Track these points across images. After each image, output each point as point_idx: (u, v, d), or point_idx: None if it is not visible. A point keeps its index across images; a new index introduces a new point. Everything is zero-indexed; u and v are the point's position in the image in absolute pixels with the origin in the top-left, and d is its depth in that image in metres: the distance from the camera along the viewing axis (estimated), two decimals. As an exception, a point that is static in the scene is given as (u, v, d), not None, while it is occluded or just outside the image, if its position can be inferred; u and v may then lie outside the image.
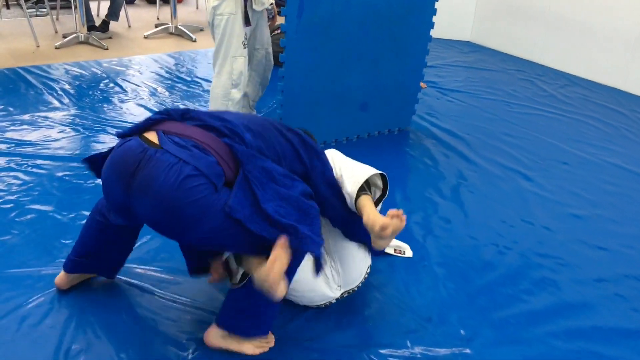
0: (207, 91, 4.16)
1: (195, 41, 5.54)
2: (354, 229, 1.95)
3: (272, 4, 2.83)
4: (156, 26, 5.80)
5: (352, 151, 2.49)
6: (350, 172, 1.90)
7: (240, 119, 1.75)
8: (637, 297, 2.28)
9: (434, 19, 3.45)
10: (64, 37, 5.09)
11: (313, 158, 1.85)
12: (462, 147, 3.54)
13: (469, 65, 5.27)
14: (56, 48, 4.86)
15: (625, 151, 3.66)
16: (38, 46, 4.86)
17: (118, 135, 1.70)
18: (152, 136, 1.61)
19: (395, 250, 2.39)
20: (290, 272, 1.71)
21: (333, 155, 2.00)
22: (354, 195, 1.84)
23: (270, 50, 3.40)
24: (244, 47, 3.04)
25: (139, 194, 1.53)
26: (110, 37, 5.36)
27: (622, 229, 2.76)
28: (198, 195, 1.51)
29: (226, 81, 3.05)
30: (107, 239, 1.96)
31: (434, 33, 3.54)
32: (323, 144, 3.42)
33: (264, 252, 1.59)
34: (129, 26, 5.84)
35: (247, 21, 3.02)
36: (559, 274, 2.39)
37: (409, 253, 2.40)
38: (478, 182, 3.11)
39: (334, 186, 1.89)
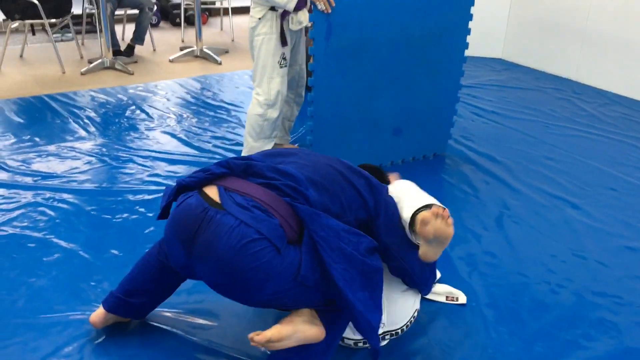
0: (234, 116, 4.07)
1: (220, 64, 5.47)
2: (412, 276, 1.86)
3: (312, 22, 2.78)
4: (181, 49, 5.76)
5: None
6: (409, 202, 1.83)
7: (303, 168, 1.70)
8: None
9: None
10: (90, 62, 5.06)
11: (379, 206, 1.80)
12: (503, 173, 3.37)
13: (502, 84, 5.10)
14: (82, 74, 4.82)
15: (676, 175, 3.46)
16: (64, 72, 4.83)
17: (178, 184, 1.68)
18: (212, 192, 1.58)
19: (447, 297, 2.22)
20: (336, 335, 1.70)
21: (401, 188, 1.96)
22: (409, 219, 1.77)
23: (304, 66, 3.30)
24: (281, 67, 2.98)
25: (200, 259, 1.53)
26: (135, 62, 5.32)
27: (683, 263, 2.57)
28: (261, 260, 1.49)
29: (263, 101, 3.00)
30: (162, 281, 1.87)
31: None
32: None
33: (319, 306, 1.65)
34: (154, 50, 5.80)
35: (283, 41, 2.95)
36: (618, 315, 2.21)
37: (462, 299, 2.23)
38: (522, 212, 2.94)
39: (397, 233, 1.81)
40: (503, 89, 4.96)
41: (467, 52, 3.34)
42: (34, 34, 5.21)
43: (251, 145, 3.12)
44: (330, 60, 2.90)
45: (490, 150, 3.68)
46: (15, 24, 4.84)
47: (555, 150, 3.74)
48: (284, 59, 2.99)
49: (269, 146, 3.14)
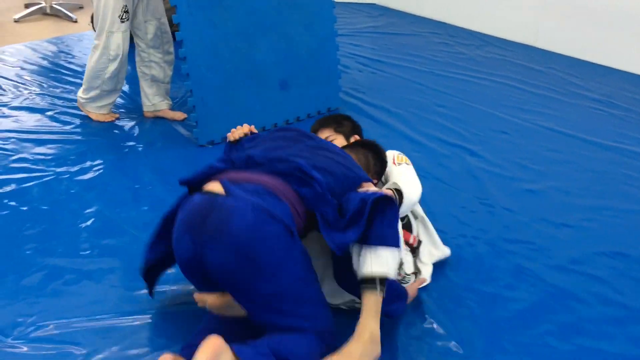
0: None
1: (76, 21, 4.88)
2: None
3: None
4: (27, 6, 5.05)
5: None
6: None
7: (304, 153, 1.70)
8: (613, 276, 2.19)
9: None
10: None
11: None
12: (400, 125, 3.33)
13: (381, 30, 5.04)
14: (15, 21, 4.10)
15: (555, 113, 3.61)
16: None
17: (181, 183, 1.66)
18: (216, 187, 1.54)
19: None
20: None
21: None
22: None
23: (165, 20, 3.07)
24: (122, 22, 2.82)
25: (210, 240, 1.44)
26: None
27: (579, 201, 2.68)
28: (276, 243, 1.45)
29: (100, 57, 2.89)
30: None
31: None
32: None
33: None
34: (-6, 8, 5.05)
35: None
36: (534, 262, 2.24)
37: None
38: (426, 164, 2.90)
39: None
40: (383, 36, 4.91)
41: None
42: None
43: (88, 95, 3.01)
44: (195, 10, 2.73)
45: (383, 102, 3.61)
46: None
47: (444, 96, 3.76)
48: (126, 12, 2.83)
49: (107, 100, 3.05)
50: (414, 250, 2.09)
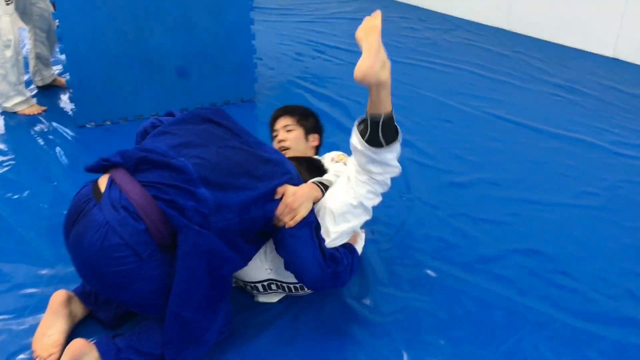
0: None
1: None
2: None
3: None
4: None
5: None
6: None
7: (205, 162, 1.60)
8: (520, 276, 2.05)
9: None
10: None
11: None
12: (338, 114, 3.20)
13: (349, 16, 4.89)
14: None
15: (507, 99, 3.45)
16: None
17: (86, 169, 1.67)
18: (103, 182, 1.58)
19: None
20: None
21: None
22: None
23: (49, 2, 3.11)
24: (7, 4, 2.79)
25: (72, 247, 1.55)
26: None
27: (506, 194, 2.54)
28: (120, 267, 1.49)
29: None
30: None
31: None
32: (140, 117, 3.04)
33: None
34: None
35: None
36: (437, 260, 2.12)
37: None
38: (354, 156, 2.79)
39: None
40: (350, 22, 4.75)
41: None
42: None
43: (2, 93, 3.00)
44: None
45: (327, 91, 3.49)
46: None
47: (394, 84, 3.50)
48: None
49: (19, 98, 3.03)
50: None
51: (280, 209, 1.65)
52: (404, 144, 2.84)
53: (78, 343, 1.57)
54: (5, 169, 2.57)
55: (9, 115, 3.03)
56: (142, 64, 2.95)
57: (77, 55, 2.80)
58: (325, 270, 1.66)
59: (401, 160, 2.69)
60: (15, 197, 2.38)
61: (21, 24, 3.12)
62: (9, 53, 2.85)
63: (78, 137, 2.87)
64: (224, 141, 1.73)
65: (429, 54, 4.13)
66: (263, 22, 4.64)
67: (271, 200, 1.67)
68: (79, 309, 1.73)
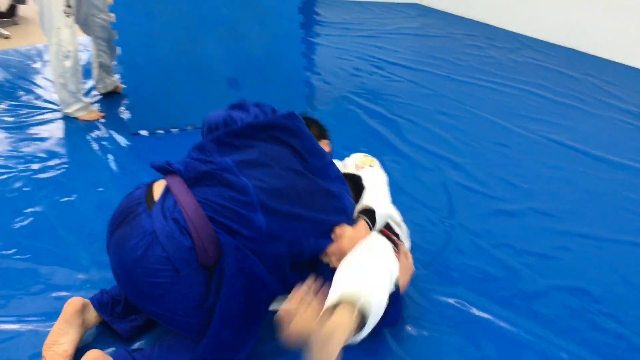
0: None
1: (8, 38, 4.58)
2: None
3: None
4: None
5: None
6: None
7: (268, 187, 1.58)
8: (563, 316, 1.92)
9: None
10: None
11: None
12: (389, 133, 3.13)
13: (413, 32, 4.82)
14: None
15: (572, 125, 3.27)
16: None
17: (151, 166, 1.68)
18: (159, 188, 1.59)
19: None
20: None
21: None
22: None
23: (109, 13, 3.18)
24: (67, 16, 2.89)
25: (114, 248, 1.55)
26: None
27: (558, 226, 2.39)
28: (155, 279, 1.48)
29: (57, 53, 2.95)
30: None
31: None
32: (191, 127, 3.10)
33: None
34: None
35: None
36: (474, 293, 2.01)
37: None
38: (401, 177, 2.71)
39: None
40: (414, 37, 4.69)
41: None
42: None
43: (63, 100, 3.12)
44: (132, 1, 2.77)
45: (381, 107, 3.43)
46: None
47: (451, 103, 3.51)
48: (69, 6, 2.89)
49: (78, 105, 3.15)
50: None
51: (332, 249, 1.64)
52: (454, 167, 2.78)
53: (95, 354, 1.58)
54: (59, 172, 2.66)
55: (70, 120, 3.15)
56: (194, 74, 3.01)
57: (132, 64, 2.88)
58: None
59: (447, 182, 2.64)
60: (64, 200, 2.46)
61: (83, 34, 3.26)
62: (68, 63, 2.97)
63: (131, 145, 2.94)
64: (289, 163, 1.70)
65: (492, 73, 3.99)
66: (326, 37, 4.65)
67: (325, 236, 1.65)
68: (92, 318, 1.73)
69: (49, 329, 1.77)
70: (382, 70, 3.99)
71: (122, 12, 2.78)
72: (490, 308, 1.94)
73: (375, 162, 2.08)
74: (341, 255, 1.60)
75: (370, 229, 1.71)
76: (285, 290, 1.63)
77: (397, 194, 2.56)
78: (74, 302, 1.69)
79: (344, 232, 1.64)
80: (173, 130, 3.09)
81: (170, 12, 2.86)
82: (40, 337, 1.73)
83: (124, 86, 3.33)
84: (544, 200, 2.56)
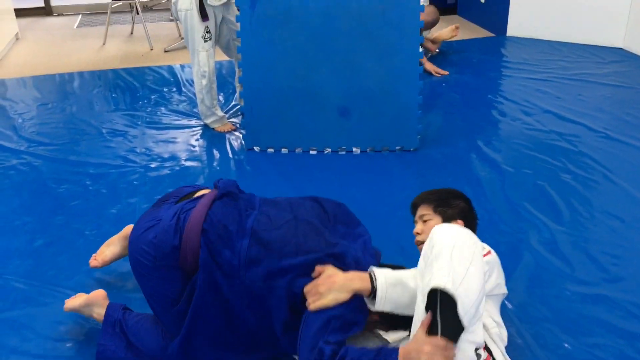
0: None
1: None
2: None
3: None
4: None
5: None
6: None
7: (267, 219, 1.73)
8: None
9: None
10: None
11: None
12: (490, 185, 2.91)
13: (594, 80, 4.30)
14: (165, 51, 5.22)
15: None
16: (152, 49, 5.27)
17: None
18: (199, 193, 1.84)
19: None
20: None
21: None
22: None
23: None
24: (205, 41, 3.25)
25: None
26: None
27: (620, 322, 2.00)
28: (141, 258, 1.70)
29: (197, 72, 3.34)
30: None
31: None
32: (299, 150, 3.28)
33: None
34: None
35: (204, 15, 3.19)
36: None
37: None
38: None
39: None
40: (592, 85, 4.19)
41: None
42: (137, 12, 5.73)
43: (202, 112, 3.53)
44: (257, 28, 3.03)
45: (498, 156, 3.18)
46: (118, 4, 5.44)
47: (586, 163, 3.08)
48: (208, 32, 3.24)
49: (213, 117, 3.51)
50: None
51: (308, 287, 1.58)
52: (539, 232, 2.48)
53: (99, 293, 1.93)
54: (169, 172, 3.06)
55: (206, 129, 3.58)
56: (307, 100, 3.17)
57: (252, 85, 3.16)
58: None
59: (521, 247, 2.36)
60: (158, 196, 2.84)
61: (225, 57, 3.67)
62: (204, 82, 3.35)
63: (241, 158, 3.23)
64: (306, 216, 1.76)
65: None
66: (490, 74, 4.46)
67: (304, 275, 1.62)
68: None
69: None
70: (529, 117, 3.68)
71: (247, 37, 3.07)
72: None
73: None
74: (316, 296, 1.54)
75: (373, 284, 1.53)
76: (260, 332, 1.66)
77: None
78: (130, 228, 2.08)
79: (325, 269, 1.61)
80: (283, 150, 3.30)
81: (290, 40, 3.07)
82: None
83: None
84: (627, 291, 2.15)
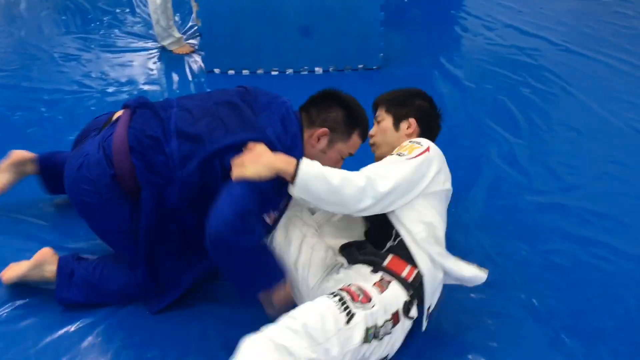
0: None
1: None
2: None
3: None
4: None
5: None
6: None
7: (189, 114, 1.68)
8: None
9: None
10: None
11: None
12: (454, 101, 2.93)
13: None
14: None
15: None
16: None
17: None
18: (115, 116, 1.76)
19: None
20: None
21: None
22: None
23: None
24: None
25: (66, 163, 1.75)
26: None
27: (576, 229, 2.09)
28: (86, 199, 1.66)
29: None
30: None
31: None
32: (261, 71, 3.22)
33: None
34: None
35: None
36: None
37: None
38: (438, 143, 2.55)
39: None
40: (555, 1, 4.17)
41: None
42: None
43: (158, 34, 3.43)
44: None
45: (462, 72, 3.19)
46: None
47: (546, 77, 3.14)
48: None
49: (171, 39, 3.42)
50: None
51: (235, 159, 1.54)
52: (499, 145, 2.53)
53: (46, 251, 1.79)
54: (126, 96, 2.98)
55: (164, 52, 3.46)
56: (267, 19, 3.08)
57: (209, 4, 3.06)
58: (233, 225, 1.45)
59: (482, 160, 2.42)
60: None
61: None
62: (158, 1, 3.23)
63: (201, 80, 3.16)
64: (225, 98, 1.73)
65: (620, 47, 3.44)
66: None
67: (235, 152, 1.57)
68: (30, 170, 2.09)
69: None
70: (491, 32, 3.68)
71: (203, -46, 2.94)
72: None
73: (415, 155, 1.60)
74: (239, 167, 1.52)
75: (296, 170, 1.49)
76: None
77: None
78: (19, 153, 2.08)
79: (254, 146, 1.56)
80: (244, 72, 3.23)
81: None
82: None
83: None
84: (581, 198, 2.24)
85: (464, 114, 2.81)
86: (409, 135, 1.79)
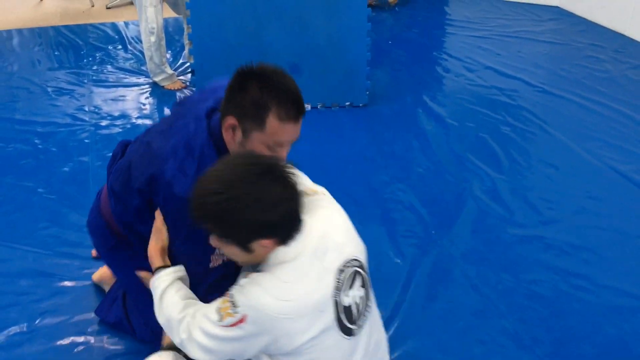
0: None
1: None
2: None
3: None
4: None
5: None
6: None
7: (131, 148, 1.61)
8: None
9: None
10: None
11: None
12: (437, 138, 3.03)
13: (532, 37, 4.48)
14: (107, 8, 5.06)
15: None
16: (93, 6, 5.10)
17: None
18: None
19: None
20: None
21: None
22: None
23: None
24: None
25: None
26: None
27: (553, 260, 2.19)
28: (93, 233, 1.73)
29: (145, 29, 3.33)
30: None
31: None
32: None
33: None
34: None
35: None
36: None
37: None
38: (422, 178, 2.66)
39: None
40: (529, 42, 4.37)
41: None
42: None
43: (151, 70, 3.51)
44: None
45: (445, 111, 3.32)
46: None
47: (524, 116, 3.27)
48: None
49: (163, 75, 3.50)
50: None
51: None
52: (481, 180, 2.64)
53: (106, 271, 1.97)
54: (120, 130, 3.05)
55: (156, 87, 3.55)
56: (257, 56, 3.04)
57: (201, 42, 3.16)
58: None
59: (465, 195, 2.52)
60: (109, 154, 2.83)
61: (173, 14, 3.64)
62: (153, 38, 3.33)
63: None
64: (163, 122, 1.60)
65: (594, 89, 3.60)
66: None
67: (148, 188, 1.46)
68: None
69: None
70: (471, 74, 3.83)
71: (196, -6, 3.05)
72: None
73: (228, 319, 1.21)
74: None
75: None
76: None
77: (408, 192, 2.53)
78: None
79: (157, 216, 1.44)
80: (235, 107, 3.32)
81: (239, -1, 3.06)
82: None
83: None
84: (560, 231, 2.35)
85: (447, 150, 2.92)
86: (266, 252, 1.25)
